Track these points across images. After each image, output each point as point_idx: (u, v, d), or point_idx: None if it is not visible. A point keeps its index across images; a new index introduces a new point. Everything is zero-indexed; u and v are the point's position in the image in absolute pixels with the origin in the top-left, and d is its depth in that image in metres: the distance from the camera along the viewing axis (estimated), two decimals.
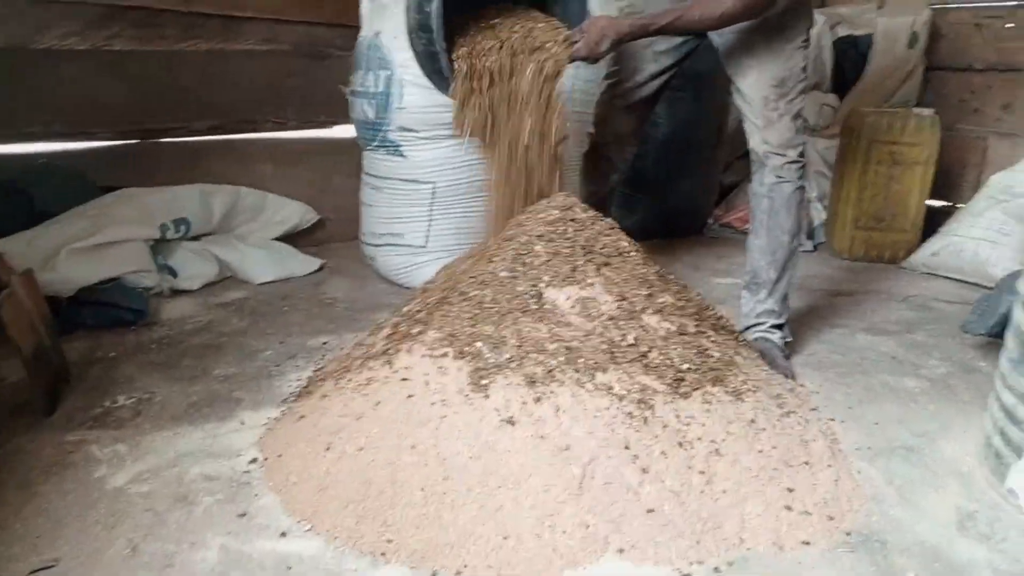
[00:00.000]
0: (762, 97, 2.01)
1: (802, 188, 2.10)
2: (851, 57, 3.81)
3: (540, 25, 1.95)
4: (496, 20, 1.96)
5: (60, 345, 1.91)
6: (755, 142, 2.08)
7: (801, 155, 2.07)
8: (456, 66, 1.80)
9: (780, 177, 2.07)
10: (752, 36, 1.97)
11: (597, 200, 2.26)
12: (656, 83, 2.17)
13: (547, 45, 1.88)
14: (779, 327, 2.15)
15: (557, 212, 1.75)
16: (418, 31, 1.72)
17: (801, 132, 2.07)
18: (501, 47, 1.83)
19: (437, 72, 1.78)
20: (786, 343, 2.17)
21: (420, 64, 1.78)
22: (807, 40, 2.02)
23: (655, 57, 2.14)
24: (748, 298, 2.19)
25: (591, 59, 1.90)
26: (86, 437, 1.67)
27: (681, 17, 1.85)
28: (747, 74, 2.02)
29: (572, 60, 1.88)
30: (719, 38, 2.03)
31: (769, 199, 2.09)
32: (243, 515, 1.40)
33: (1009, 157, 3.35)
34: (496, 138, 1.82)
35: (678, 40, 2.13)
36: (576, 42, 1.87)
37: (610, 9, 2.38)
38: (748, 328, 2.16)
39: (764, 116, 2.02)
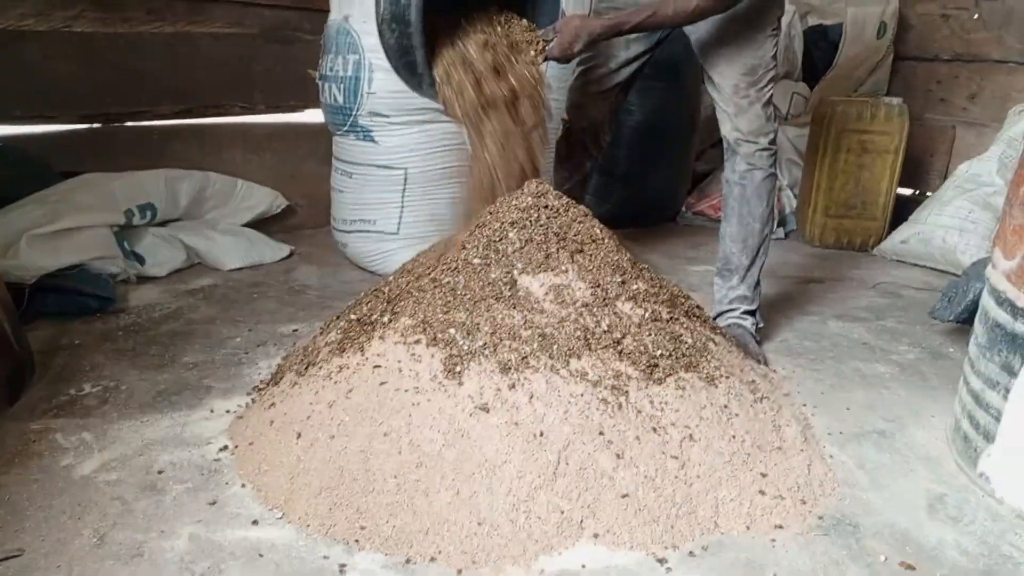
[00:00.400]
0: (732, 85, 2.02)
1: (774, 175, 2.12)
2: (821, 46, 3.84)
3: (516, 27, 1.91)
4: (469, 20, 1.91)
5: (23, 333, 1.86)
6: (726, 129, 2.09)
7: (772, 142, 2.08)
8: (437, 74, 1.76)
9: (751, 164, 2.08)
10: (723, 25, 1.97)
11: (571, 187, 2.26)
12: (629, 69, 2.16)
13: (522, 46, 1.85)
14: (751, 313, 2.17)
15: (530, 199, 1.73)
16: (391, 22, 1.66)
17: (772, 120, 2.08)
18: (484, 47, 1.79)
19: (408, 67, 1.73)
20: (758, 329, 2.18)
21: (388, 56, 1.73)
22: (777, 28, 2.03)
23: (627, 44, 2.13)
24: (720, 284, 2.20)
25: (564, 60, 1.88)
26: (51, 426, 1.63)
27: (654, 14, 1.84)
28: (718, 62, 2.02)
29: (545, 60, 1.86)
30: (691, 27, 2.03)
31: (740, 186, 2.10)
32: (213, 503, 1.38)
33: (976, 146, 3.40)
34: (479, 135, 1.79)
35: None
36: (549, 42, 1.85)
37: (583, 6, 2.37)
38: (721, 314, 2.17)
39: (735, 103, 2.03)
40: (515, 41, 1.84)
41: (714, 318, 2.11)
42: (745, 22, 1.97)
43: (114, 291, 2.33)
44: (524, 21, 1.92)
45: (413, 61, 1.71)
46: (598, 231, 1.76)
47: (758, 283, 2.19)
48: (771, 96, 2.06)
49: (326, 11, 2.69)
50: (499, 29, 1.86)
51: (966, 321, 2.13)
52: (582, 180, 2.37)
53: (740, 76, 2.01)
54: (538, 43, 1.85)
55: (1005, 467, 1.49)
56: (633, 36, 2.11)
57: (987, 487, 1.52)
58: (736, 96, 2.03)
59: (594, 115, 2.24)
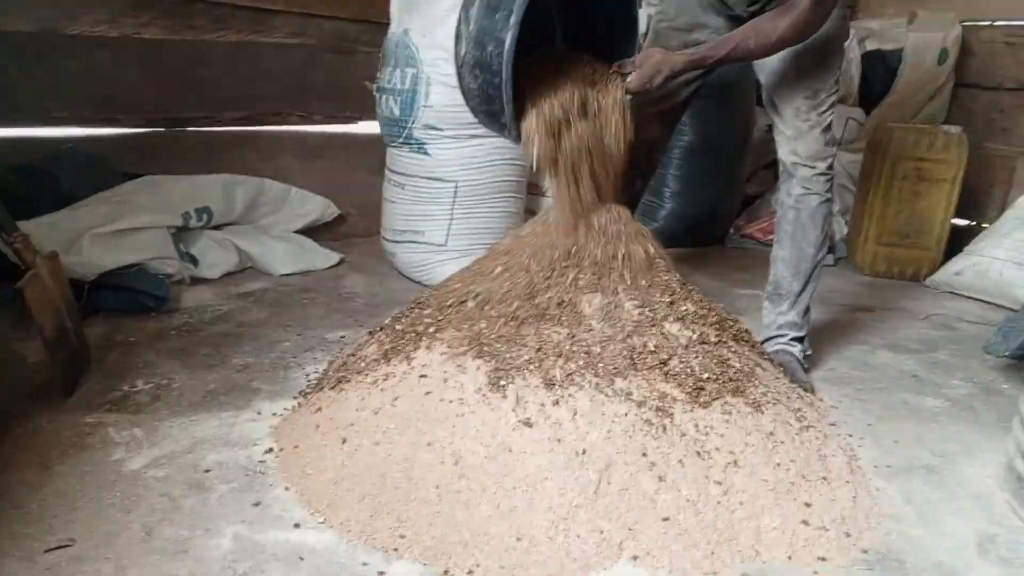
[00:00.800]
0: (794, 108, 1.99)
1: (830, 201, 2.09)
2: (879, 72, 3.78)
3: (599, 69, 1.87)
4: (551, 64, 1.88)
5: (82, 328, 1.92)
6: (784, 152, 2.06)
7: (830, 167, 2.05)
8: (526, 127, 1.70)
9: (807, 189, 2.05)
10: (790, 50, 1.96)
11: (623, 204, 2.25)
12: (687, 91, 2.15)
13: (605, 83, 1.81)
14: (799, 340, 2.14)
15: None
16: (473, 67, 1.57)
17: (831, 145, 2.05)
18: (570, 99, 1.76)
19: (491, 115, 1.64)
20: (806, 356, 2.15)
21: (467, 99, 1.64)
22: (841, 53, 2.00)
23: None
24: (770, 309, 2.17)
25: (643, 94, 1.84)
26: (104, 420, 1.68)
27: (736, 47, 1.79)
28: (780, 85, 2.00)
29: (625, 94, 1.83)
30: None
31: (795, 210, 2.08)
32: (257, 504, 1.40)
33: None
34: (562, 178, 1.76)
35: None
36: (627, 75, 1.82)
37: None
38: (769, 339, 2.15)
39: (795, 127, 2.00)
40: (597, 80, 1.80)
41: (762, 343, 2.09)
42: (812, 48, 1.95)
43: (169, 291, 2.39)
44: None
45: (497, 111, 1.62)
46: (651, 251, 1.75)
47: (808, 310, 2.16)
48: (831, 121, 2.03)
49: (386, 24, 2.74)
50: (583, 72, 1.81)
51: (1022, 357, 2.07)
52: (634, 199, 2.36)
53: (802, 100, 1.98)
54: (618, 77, 1.82)
55: None
56: None
57: None
58: (797, 119, 2.00)
59: (648, 135, 2.22)
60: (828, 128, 2.02)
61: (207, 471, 1.51)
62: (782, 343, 2.12)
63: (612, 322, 1.56)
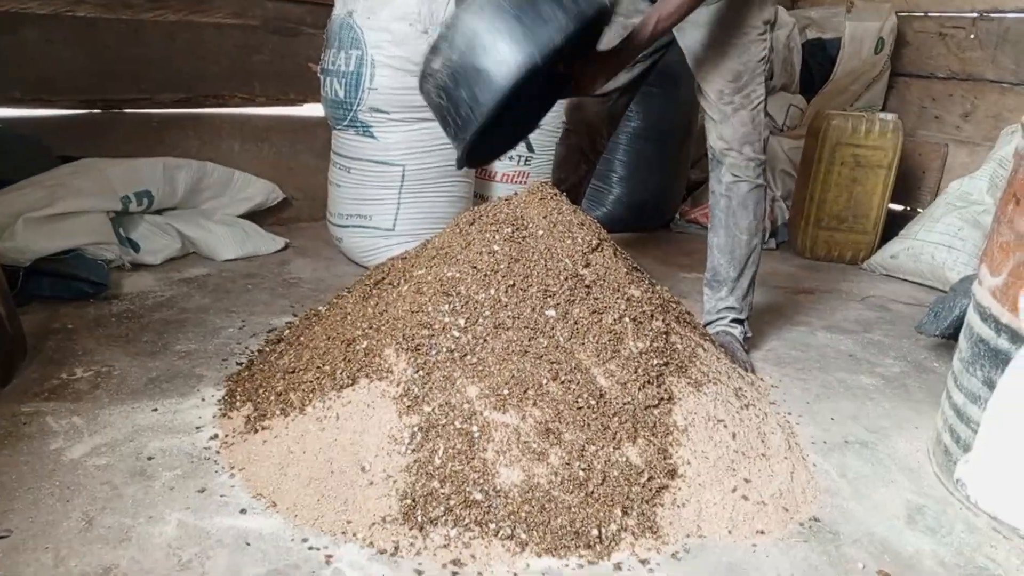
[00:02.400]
0: (717, 90, 2.01)
1: (761, 187, 2.11)
2: (819, 60, 3.87)
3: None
4: None
5: (16, 315, 1.86)
6: (712, 138, 2.08)
7: (759, 152, 2.06)
8: None
9: (736, 176, 2.07)
10: (709, 30, 1.98)
11: (566, 188, 2.27)
12: (628, 75, 2.16)
13: None
14: (740, 322, 2.18)
15: (536, 199, 1.75)
16: (440, 91, 1.52)
17: (760, 128, 2.06)
18: None
19: (444, 126, 1.61)
20: (746, 338, 2.20)
21: (425, 98, 1.62)
22: (764, 33, 2.00)
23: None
24: (709, 295, 2.22)
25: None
26: (42, 409, 1.64)
27: (660, 16, 1.78)
28: (704, 67, 2.02)
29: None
30: (681, 36, 2.03)
31: (727, 198, 2.10)
32: (202, 491, 1.39)
33: (968, 165, 3.44)
34: None
35: None
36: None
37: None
38: (709, 323, 2.19)
39: (719, 110, 2.02)
40: None
41: (704, 326, 2.13)
42: (730, 27, 1.96)
43: (108, 277, 2.33)
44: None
45: (450, 133, 1.59)
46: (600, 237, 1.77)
47: (747, 294, 2.19)
48: (760, 104, 2.03)
49: (330, 5, 2.70)
50: None
51: (951, 336, 2.16)
52: (579, 183, 2.38)
53: (725, 82, 1.98)
54: None
55: (980, 473, 1.52)
56: None
57: (964, 493, 1.54)
58: (720, 102, 2.01)
59: (592, 120, 2.25)
60: (756, 111, 2.03)
61: (150, 459, 1.48)
62: (722, 325, 2.17)
63: (558, 307, 1.57)
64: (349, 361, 1.53)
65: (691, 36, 2.02)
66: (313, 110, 3.18)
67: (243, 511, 1.34)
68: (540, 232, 1.68)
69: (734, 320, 2.17)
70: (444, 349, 1.47)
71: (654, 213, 3.67)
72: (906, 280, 3.13)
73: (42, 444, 1.51)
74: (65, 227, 2.34)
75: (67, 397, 1.70)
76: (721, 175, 2.09)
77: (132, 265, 2.55)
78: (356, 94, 2.58)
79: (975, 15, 3.56)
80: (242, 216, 3.01)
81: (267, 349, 1.89)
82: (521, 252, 1.62)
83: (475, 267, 1.59)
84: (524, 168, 3.24)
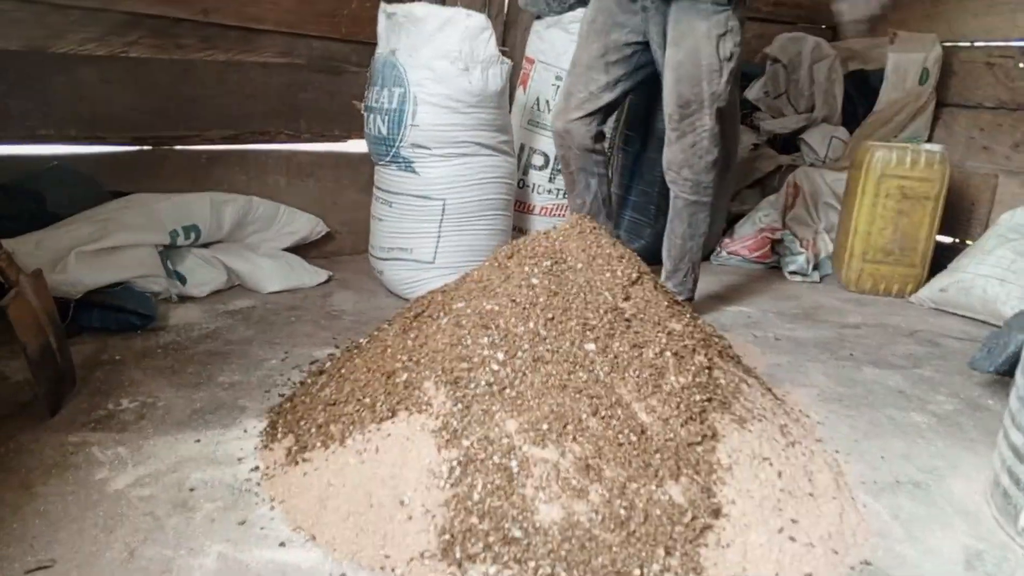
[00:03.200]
0: (668, 114, 2.18)
1: (696, 203, 2.38)
2: (862, 91, 3.84)
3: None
4: None
5: (67, 347, 1.90)
6: (663, 153, 2.31)
7: (698, 174, 2.27)
8: None
9: (675, 193, 2.36)
10: (676, 57, 2.11)
11: (588, 211, 2.34)
12: (609, 95, 2.28)
13: None
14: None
15: (575, 232, 1.75)
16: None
17: (702, 154, 2.23)
18: None
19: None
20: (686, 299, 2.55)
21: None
22: (720, 70, 2.12)
23: (606, 68, 2.26)
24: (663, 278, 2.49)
25: None
26: (88, 439, 1.66)
27: None
28: (665, 86, 2.18)
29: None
30: (657, 50, 2.20)
31: (672, 205, 2.42)
32: (243, 523, 1.39)
33: (1019, 195, 3.36)
34: None
35: (628, 51, 2.27)
36: None
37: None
38: None
39: (669, 132, 2.22)
40: None
41: None
42: (690, 53, 2.09)
43: (156, 309, 2.38)
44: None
45: None
46: (640, 271, 1.76)
47: (684, 281, 2.56)
48: (705, 134, 2.20)
49: (373, 44, 2.76)
50: None
51: (1006, 373, 2.09)
52: (597, 200, 2.45)
53: (675, 107, 2.14)
54: None
55: None
56: (612, 60, 2.25)
57: None
58: (669, 126, 2.19)
59: (580, 141, 2.32)
60: (699, 139, 2.19)
61: (192, 490, 1.49)
62: None
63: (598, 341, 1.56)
64: (389, 394, 1.53)
65: (665, 53, 2.14)
66: (357, 146, 3.23)
67: (282, 544, 1.34)
68: (579, 265, 1.68)
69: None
70: (483, 383, 1.47)
71: None
72: (956, 314, 3.05)
73: (88, 474, 1.53)
74: (115, 260, 2.40)
75: (113, 428, 1.73)
76: (669, 186, 2.39)
77: (179, 297, 2.60)
78: (399, 130, 2.62)
79: (1023, 44, 3.50)
80: (287, 249, 3.06)
81: (309, 381, 1.90)
82: (560, 285, 1.62)
83: (514, 300, 1.59)
84: (562, 201, 3.24)
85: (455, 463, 1.37)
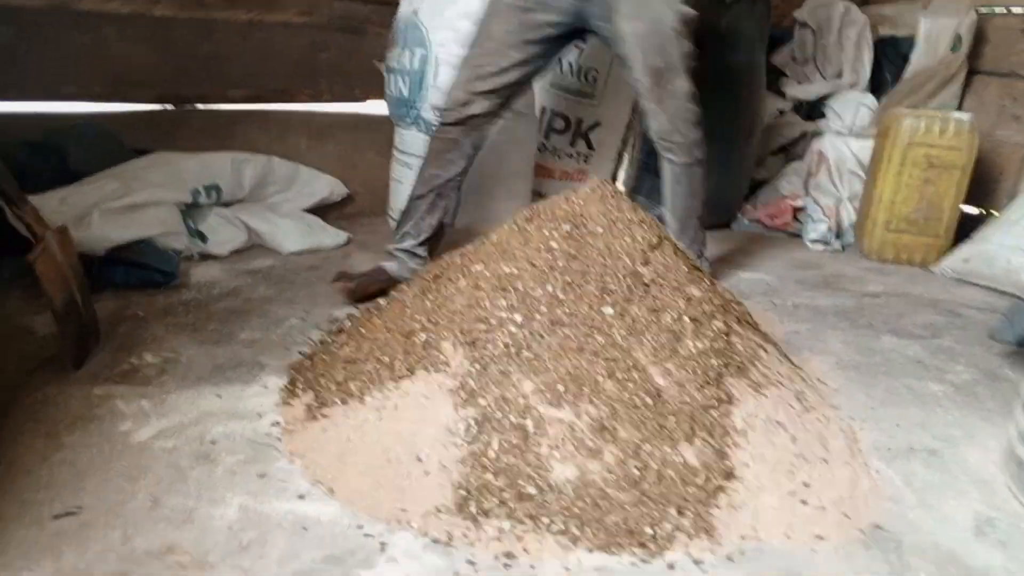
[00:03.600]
0: (643, 87, 2.17)
1: (690, 164, 2.38)
2: (891, 58, 3.76)
3: None
4: None
5: (91, 302, 1.94)
6: (648, 125, 2.30)
7: (687, 135, 2.30)
8: None
9: (671, 159, 2.37)
10: (633, 26, 2.09)
11: (441, 184, 2.32)
12: (519, 72, 2.21)
13: None
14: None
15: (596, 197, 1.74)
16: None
17: (686, 115, 2.26)
18: None
19: None
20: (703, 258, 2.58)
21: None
22: (682, 32, 2.13)
23: (522, 45, 2.17)
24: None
25: None
26: (112, 392, 1.70)
27: None
28: (629, 62, 2.18)
29: None
30: (611, 28, 2.12)
31: (671, 173, 2.42)
32: (263, 476, 1.42)
33: None
34: None
35: (550, 32, 2.18)
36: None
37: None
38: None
39: (647, 102, 2.23)
40: None
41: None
42: (649, 22, 2.07)
43: (177, 267, 2.41)
44: None
45: None
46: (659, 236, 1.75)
47: (693, 241, 2.51)
48: (684, 95, 2.22)
49: (395, 4, 2.74)
50: None
51: None
52: (450, 183, 2.38)
53: (649, 79, 2.16)
54: None
55: None
56: (530, 38, 2.17)
57: None
58: (647, 96, 2.20)
59: (475, 112, 2.26)
60: (680, 103, 2.23)
61: (213, 443, 1.53)
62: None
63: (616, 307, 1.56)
64: (408, 353, 1.55)
65: (621, 29, 2.09)
66: (377, 107, 3.22)
67: (301, 497, 1.37)
68: (599, 230, 1.67)
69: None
70: (500, 344, 1.48)
71: (717, 212, 3.60)
72: (979, 285, 3.01)
73: (112, 426, 1.57)
74: (138, 218, 2.42)
75: (136, 381, 1.76)
76: (661, 154, 2.38)
77: (200, 256, 2.63)
78: (420, 92, 2.61)
79: None
80: (307, 210, 3.08)
81: (329, 339, 1.93)
82: (579, 249, 1.62)
83: (533, 264, 1.59)
84: (584, 166, 3.22)
85: (472, 421, 1.39)
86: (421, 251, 2.40)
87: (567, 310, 1.52)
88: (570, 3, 2.12)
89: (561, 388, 1.42)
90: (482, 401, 1.41)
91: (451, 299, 1.62)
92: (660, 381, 1.47)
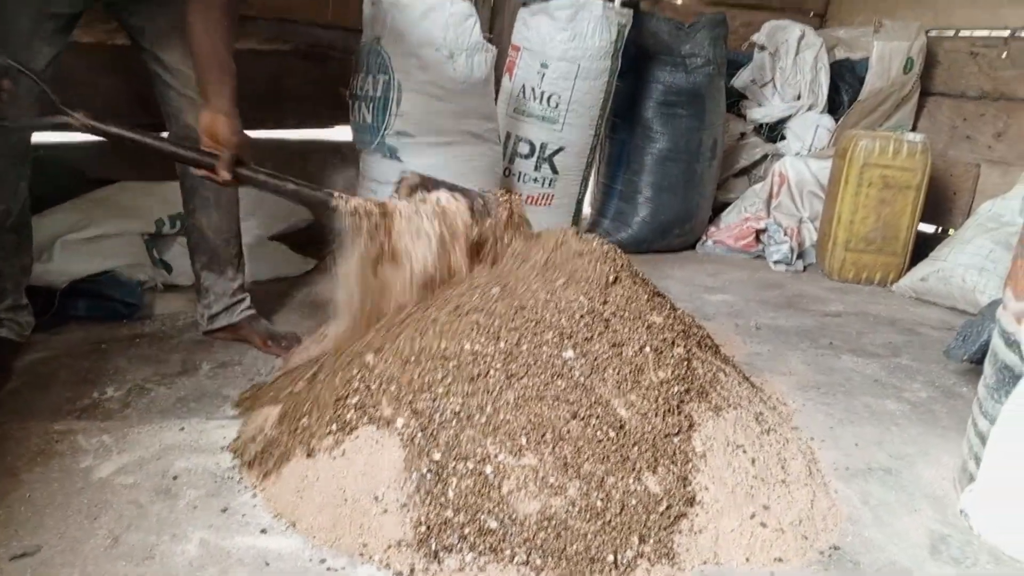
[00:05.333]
0: (188, 75, 1.94)
1: None
2: (847, 79, 3.86)
3: None
4: None
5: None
6: (191, 119, 1.96)
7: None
8: None
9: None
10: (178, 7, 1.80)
11: (7, 218, 1.89)
12: (53, 66, 1.90)
13: None
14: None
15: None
16: None
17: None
18: None
19: None
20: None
21: None
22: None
23: (51, 38, 1.87)
24: (214, 279, 2.18)
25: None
26: (73, 427, 1.68)
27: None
28: (174, 45, 1.95)
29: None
30: (134, 16, 1.95)
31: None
32: (225, 510, 1.42)
33: (1000, 185, 3.40)
34: None
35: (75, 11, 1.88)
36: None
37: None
38: (227, 309, 2.20)
39: (194, 93, 1.95)
40: None
41: (215, 316, 2.18)
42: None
43: (141, 298, 2.39)
44: None
45: None
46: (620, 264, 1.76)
47: (244, 265, 2.25)
48: None
49: (359, 31, 2.76)
50: None
51: (980, 361, 2.11)
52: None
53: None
54: None
55: (984, 503, 1.51)
56: (58, 28, 1.88)
57: (968, 523, 1.52)
58: (191, 87, 1.96)
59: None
60: None
61: (175, 478, 1.52)
62: (244, 307, 2.22)
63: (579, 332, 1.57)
64: (343, 418, 1.49)
65: (156, 15, 1.94)
66: (342, 133, 3.23)
67: (263, 531, 1.37)
68: (557, 276, 1.68)
69: (251, 302, 2.22)
70: (449, 412, 1.44)
71: (680, 234, 3.67)
72: (936, 303, 3.09)
73: (73, 462, 1.55)
74: (101, 249, 2.40)
75: (98, 416, 1.74)
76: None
77: (164, 286, 2.60)
78: (383, 118, 2.62)
79: (1007, 34, 3.53)
80: (272, 237, 3.06)
81: (279, 382, 1.86)
82: (525, 299, 1.61)
83: (477, 324, 1.55)
84: (549, 190, 3.26)
85: (426, 471, 1.38)
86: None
87: (523, 361, 1.50)
88: None
89: (523, 439, 1.40)
90: (436, 455, 1.39)
91: (389, 368, 1.55)
92: (623, 413, 1.48)
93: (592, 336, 1.56)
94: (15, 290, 1.96)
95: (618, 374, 1.52)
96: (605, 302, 1.63)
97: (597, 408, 1.46)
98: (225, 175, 1.79)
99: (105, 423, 1.71)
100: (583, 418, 1.44)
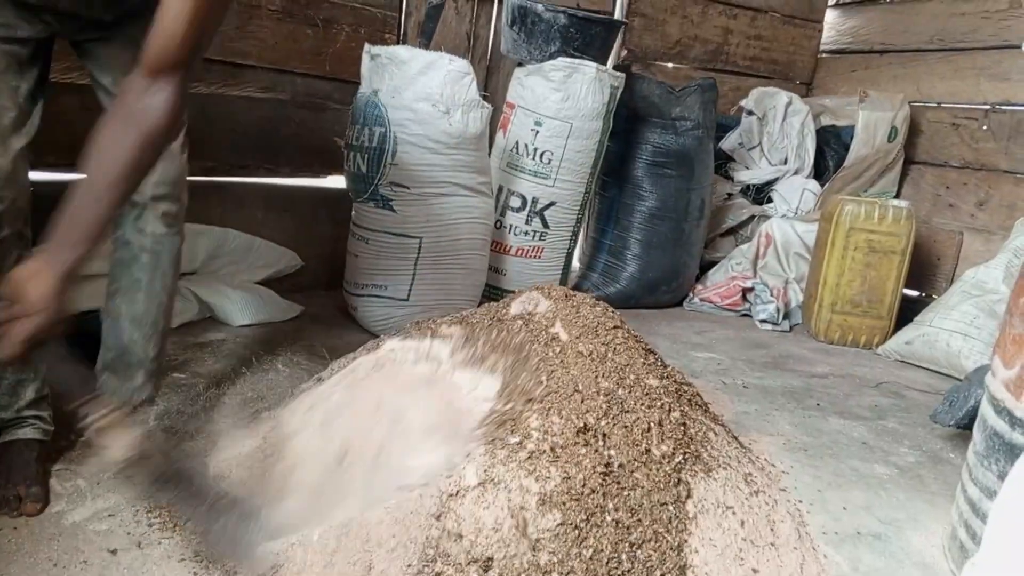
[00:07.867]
0: None
1: (183, 238, 1.81)
2: (833, 146, 3.94)
3: None
4: None
5: None
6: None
7: (186, 199, 1.76)
8: None
9: (170, 227, 1.72)
10: (128, 31, 1.57)
11: None
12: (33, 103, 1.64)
13: None
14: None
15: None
16: None
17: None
18: None
19: None
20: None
21: None
22: None
23: (20, 74, 1.58)
24: (116, 383, 1.83)
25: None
26: (47, 471, 1.64)
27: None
28: (118, 71, 1.61)
29: None
30: (82, 34, 1.64)
31: (153, 254, 1.72)
32: (198, 557, 1.38)
33: (983, 253, 3.45)
34: None
35: (42, 37, 1.61)
36: None
37: None
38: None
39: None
40: None
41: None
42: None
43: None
44: None
45: None
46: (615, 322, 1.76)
47: (159, 371, 1.87)
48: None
49: (355, 83, 2.80)
50: None
51: (967, 427, 2.12)
52: None
53: None
54: None
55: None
56: (24, 58, 1.59)
57: None
58: None
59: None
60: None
61: (150, 525, 1.48)
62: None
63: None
64: None
65: (105, 40, 1.65)
66: (335, 182, 3.25)
67: None
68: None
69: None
70: None
71: (668, 292, 3.68)
72: (921, 367, 3.10)
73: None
74: (87, 289, 2.37)
75: (74, 459, 1.70)
76: (146, 224, 1.70)
77: None
78: (378, 169, 2.64)
79: (987, 107, 3.63)
80: (260, 282, 3.05)
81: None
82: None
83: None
84: (539, 243, 3.27)
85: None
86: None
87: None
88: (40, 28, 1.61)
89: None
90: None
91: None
92: (634, 495, 1.44)
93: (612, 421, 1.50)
94: (35, 379, 1.67)
95: (629, 458, 1.45)
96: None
97: (606, 515, 1.39)
98: (13, 349, 1.21)
99: (80, 467, 1.67)
100: (599, 525, 1.37)
